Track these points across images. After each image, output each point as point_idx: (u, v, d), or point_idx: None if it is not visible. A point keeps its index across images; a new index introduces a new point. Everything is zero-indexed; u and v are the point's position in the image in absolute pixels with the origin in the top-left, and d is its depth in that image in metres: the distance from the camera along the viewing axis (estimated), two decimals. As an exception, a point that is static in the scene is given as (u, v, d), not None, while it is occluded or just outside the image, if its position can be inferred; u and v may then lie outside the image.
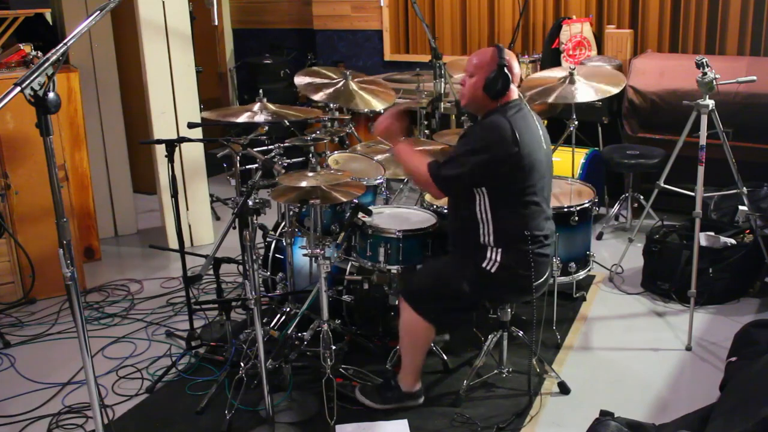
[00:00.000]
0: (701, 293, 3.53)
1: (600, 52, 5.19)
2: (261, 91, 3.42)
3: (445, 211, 3.15)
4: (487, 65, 2.68)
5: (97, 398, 2.10)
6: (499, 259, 2.70)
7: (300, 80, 3.62)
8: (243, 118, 3.21)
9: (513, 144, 2.59)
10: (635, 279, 4.00)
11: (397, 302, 2.93)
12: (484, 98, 2.70)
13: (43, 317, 3.83)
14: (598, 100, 4.53)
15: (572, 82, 3.68)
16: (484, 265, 2.71)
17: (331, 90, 3.57)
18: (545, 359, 3.10)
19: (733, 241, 3.73)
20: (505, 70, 2.64)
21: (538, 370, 3.04)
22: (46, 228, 3.95)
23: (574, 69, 3.74)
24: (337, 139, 4.04)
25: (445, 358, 3.17)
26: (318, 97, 3.54)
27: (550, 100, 3.67)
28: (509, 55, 2.71)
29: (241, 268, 3.88)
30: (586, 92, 3.63)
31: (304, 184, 2.88)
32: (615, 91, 3.67)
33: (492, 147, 2.60)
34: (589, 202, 3.56)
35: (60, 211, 1.93)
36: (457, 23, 5.98)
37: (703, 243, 3.66)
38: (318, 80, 3.63)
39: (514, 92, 2.73)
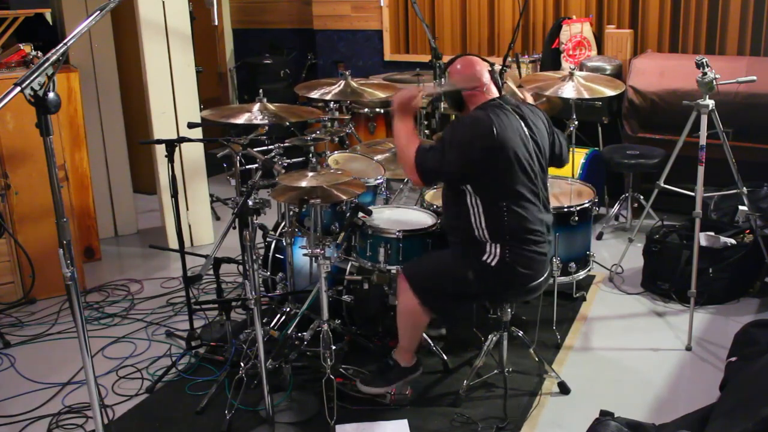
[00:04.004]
0: (701, 293, 3.53)
1: (600, 52, 5.19)
2: (261, 91, 3.43)
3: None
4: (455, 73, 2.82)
5: (97, 398, 2.10)
6: (498, 252, 2.70)
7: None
8: (243, 120, 3.20)
9: (493, 131, 2.62)
10: (635, 279, 4.00)
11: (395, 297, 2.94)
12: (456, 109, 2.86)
13: (43, 317, 3.83)
14: (598, 100, 4.54)
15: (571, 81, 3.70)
16: (484, 258, 2.72)
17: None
18: (545, 359, 3.10)
19: (733, 241, 3.73)
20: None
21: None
22: (46, 228, 3.95)
23: (574, 69, 3.74)
24: (337, 139, 4.04)
25: (445, 358, 3.17)
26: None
27: (548, 92, 3.70)
28: (462, 65, 2.82)
29: (241, 268, 3.88)
30: (580, 91, 3.67)
31: (304, 184, 2.88)
32: (612, 93, 3.70)
33: (472, 140, 2.64)
34: (589, 202, 3.56)
35: (60, 211, 1.93)
36: (457, 23, 5.97)
37: (703, 243, 3.66)
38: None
39: (491, 92, 2.78)
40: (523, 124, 2.75)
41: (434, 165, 2.69)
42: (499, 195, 2.68)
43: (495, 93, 2.79)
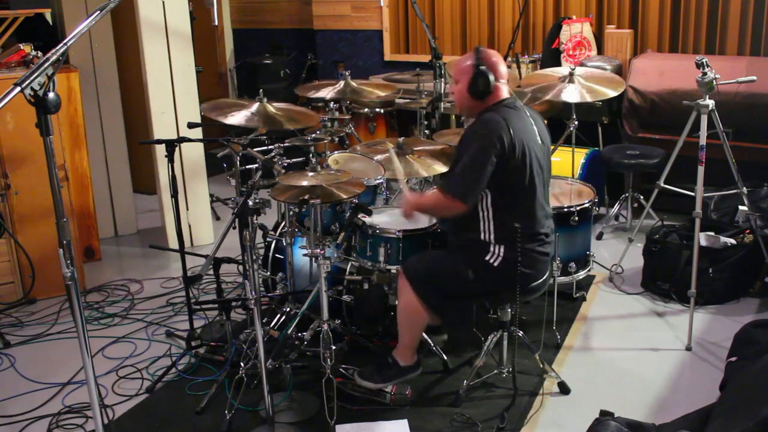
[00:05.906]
0: (701, 293, 3.53)
1: (600, 52, 5.19)
2: (261, 90, 3.43)
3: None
4: (468, 68, 2.72)
5: (97, 398, 2.10)
6: (502, 253, 2.70)
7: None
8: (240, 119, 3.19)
9: (508, 135, 2.61)
10: (635, 279, 4.00)
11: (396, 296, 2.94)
12: (472, 101, 2.74)
13: (43, 317, 3.83)
14: (598, 101, 4.54)
15: (572, 82, 3.67)
16: (487, 258, 2.72)
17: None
18: (545, 359, 3.10)
19: (733, 241, 3.73)
20: (482, 69, 2.67)
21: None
22: (46, 228, 3.95)
23: (574, 69, 3.73)
24: (337, 139, 4.04)
25: (445, 358, 3.17)
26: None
27: (548, 97, 3.67)
28: (492, 55, 2.73)
29: (241, 268, 3.89)
30: (583, 94, 3.63)
31: (304, 183, 2.88)
32: (613, 94, 3.67)
33: (492, 141, 2.60)
34: (589, 202, 3.56)
35: (60, 211, 1.93)
36: (457, 23, 5.97)
37: (703, 243, 3.65)
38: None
39: (503, 91, 2.75)
40: (534, 123, 2.75)
41: (469, 180, 2.62)
42: (514, 196, 2.67)
43: (505, 93, 2.76)
